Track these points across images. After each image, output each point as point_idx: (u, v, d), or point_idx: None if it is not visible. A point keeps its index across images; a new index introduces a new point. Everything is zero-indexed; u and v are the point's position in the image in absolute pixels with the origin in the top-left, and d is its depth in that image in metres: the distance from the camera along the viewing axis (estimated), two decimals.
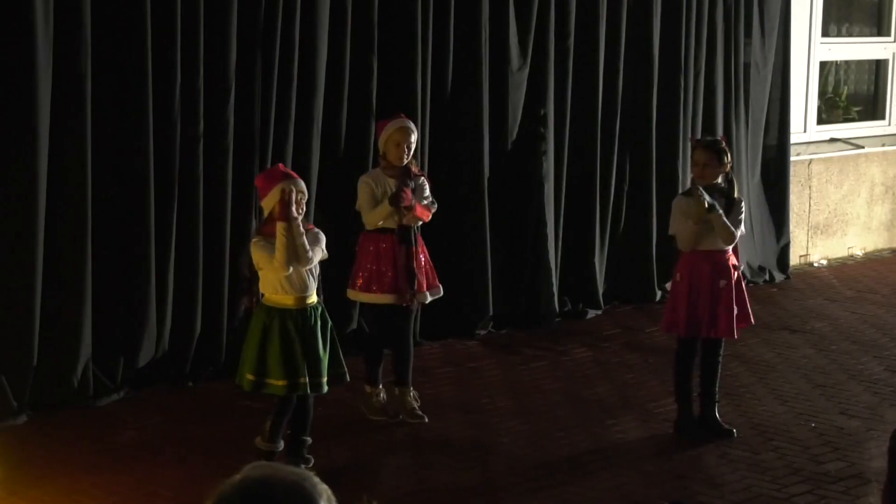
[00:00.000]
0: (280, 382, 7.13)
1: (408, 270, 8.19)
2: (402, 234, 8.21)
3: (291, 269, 7.08)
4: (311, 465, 7.23)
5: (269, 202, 7.20)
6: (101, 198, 8.47)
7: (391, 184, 8.23)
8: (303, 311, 7.20)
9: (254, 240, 7.25)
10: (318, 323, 7.24)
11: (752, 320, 8.38)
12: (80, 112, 8.24)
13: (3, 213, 8.05)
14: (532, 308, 10.89)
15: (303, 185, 7.28)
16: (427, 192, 8.38)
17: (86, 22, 8.21)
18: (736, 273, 8.17)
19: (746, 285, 8.72)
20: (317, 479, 2.63)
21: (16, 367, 8.11)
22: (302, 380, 7.14)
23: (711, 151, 8.10)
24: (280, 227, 7.05)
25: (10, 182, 8.06)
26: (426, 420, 8.33)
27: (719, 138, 8.65)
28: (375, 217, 8.20)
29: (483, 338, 10.44)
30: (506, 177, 10.70)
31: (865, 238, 14.31)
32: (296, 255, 7.10)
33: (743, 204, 8.27)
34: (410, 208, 8.16)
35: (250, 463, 2.68)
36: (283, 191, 7.10)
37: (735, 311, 8.11)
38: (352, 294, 8.42)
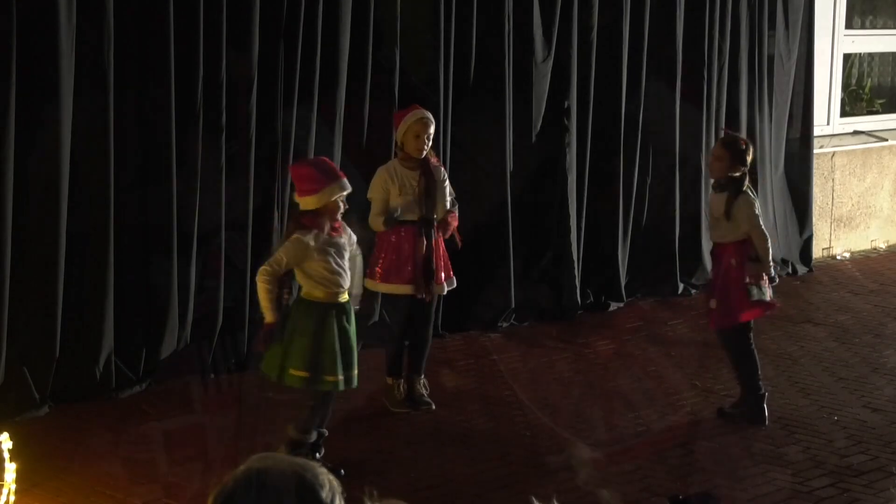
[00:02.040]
0: (332, 378, 7.10)
1: (426, 263, 8.19)
2: (424, 227, 8.22)
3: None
4: (321, 455, 7.18)
5: (320, 199, 7.03)
6: (124, 190, 8.48)
7: (409, 176, 8.23)
8: (343, 306, 7.19)
9: (295, 235, 7.08)
10: (353, 318, 7.25)
11: (738, 319, 8.25)
12: (103, 104, 8.24)
13: (27, 206, 8.05)
14: (554, 300, 10.87)
15: (347, 184, 7.16)
16: (448, 187, 8.38)
17: (108, 14, 8.21)
18: (726, 264, 8.13)
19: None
20: (320, 470, 2.64)
21: (38, 359, 8.13)
22: (351, 372, 7.17)
23: (726, 149, 8.17)
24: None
25: (32, 174, 8.06)
26: (433, 407, 8.37)
27: (740, 139, 8.47)
28: (375, 224, 8.23)
29: (505, 330, 10.43)
30: (529, 169, 10.69)
31: (888, 231, 14.25)
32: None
33: (751, 197, 8.17)
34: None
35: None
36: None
37: (725, 303, 8.16)
38: (370, 284, 8.39)
